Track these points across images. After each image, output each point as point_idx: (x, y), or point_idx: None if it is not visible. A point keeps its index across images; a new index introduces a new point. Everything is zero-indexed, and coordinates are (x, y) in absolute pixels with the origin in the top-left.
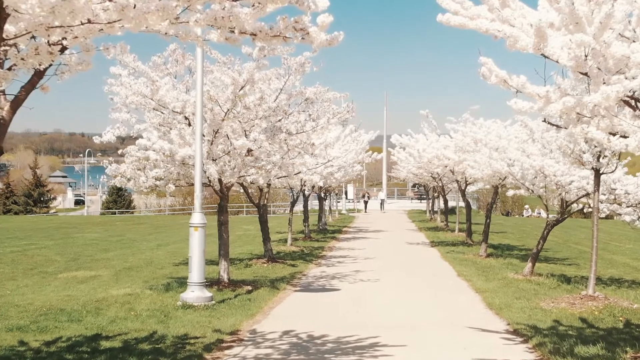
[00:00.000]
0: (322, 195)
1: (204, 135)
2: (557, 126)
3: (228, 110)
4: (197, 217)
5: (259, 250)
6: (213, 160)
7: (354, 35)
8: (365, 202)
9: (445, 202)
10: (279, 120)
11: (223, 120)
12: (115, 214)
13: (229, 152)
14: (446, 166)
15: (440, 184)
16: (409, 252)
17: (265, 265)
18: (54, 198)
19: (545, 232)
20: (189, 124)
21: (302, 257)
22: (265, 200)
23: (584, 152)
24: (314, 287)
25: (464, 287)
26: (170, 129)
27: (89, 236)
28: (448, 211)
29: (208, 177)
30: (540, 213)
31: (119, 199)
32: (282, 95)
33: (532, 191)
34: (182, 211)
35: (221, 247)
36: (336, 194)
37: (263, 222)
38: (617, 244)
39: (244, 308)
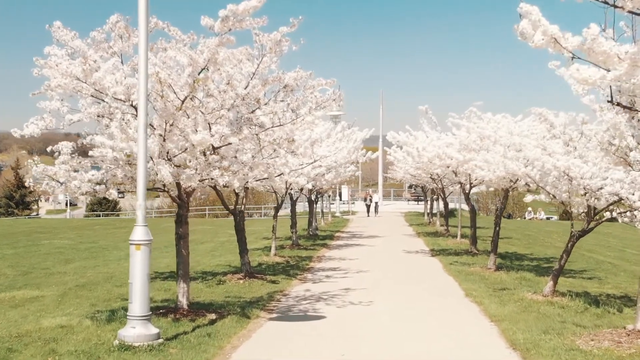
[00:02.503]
0: (313, 198)
1: (154, 128)
2: (629, 108)
3: (185, 97)
4: (139, 232)
5: (238, 261)
6: (168, 159)
7: (353, 35)
8: (368, 206)
9: (446, 205)
10: (252, 112)
11: (180, 109)
12: (99, 216)
13: (187, 149)
14: (448, 166)
15: (440, 186)
16: (406, 263)
17: (241, 281)
18: (46, 199)
19: (569, 245)
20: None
21: (285, 271)
22: (243, 206)
23: (631, 150)
24: (293, 313)
25: (475, 313)
26: (112, 120)
27: (58, 243)
28: (448, 214)
29: (161, 181)
30: (542, 215)
31: (103, 201)
32: (255, 80)
33: (554, 196)
34: (169, 213)
35: (180, 266)
36: (329, 196)
37: (239, 231)
38: (634, 252)
39: (198, 349)
